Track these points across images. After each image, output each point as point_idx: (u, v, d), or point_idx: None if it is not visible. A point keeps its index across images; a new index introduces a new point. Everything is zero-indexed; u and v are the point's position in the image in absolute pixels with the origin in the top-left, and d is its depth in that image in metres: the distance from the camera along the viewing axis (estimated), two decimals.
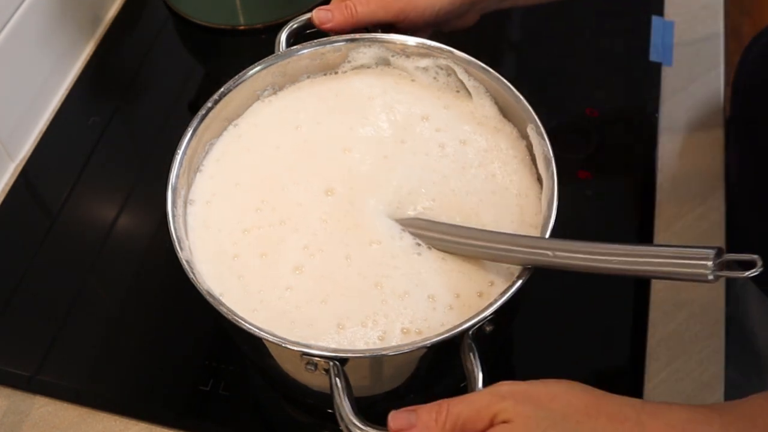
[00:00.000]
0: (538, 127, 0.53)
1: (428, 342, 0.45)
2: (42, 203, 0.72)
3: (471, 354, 0.45)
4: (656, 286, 0.63)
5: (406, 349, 0.45)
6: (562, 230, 0.66)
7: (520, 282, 0.47)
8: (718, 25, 0.80)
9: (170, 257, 0.49)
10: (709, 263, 0.41)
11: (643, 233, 0.66)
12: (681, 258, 0.42)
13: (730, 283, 0.64)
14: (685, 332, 0.61)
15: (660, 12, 0.80)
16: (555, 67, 0.77)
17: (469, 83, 0.58)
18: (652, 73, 0.76)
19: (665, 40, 0.78)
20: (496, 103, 0.57)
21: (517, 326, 0.61)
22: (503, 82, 0.56)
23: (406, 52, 0.59)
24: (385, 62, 0.60)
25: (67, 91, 0.78)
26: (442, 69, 0.59)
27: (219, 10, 0.82)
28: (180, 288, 0.50)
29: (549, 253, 0.46)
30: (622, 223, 0.67)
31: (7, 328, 0.63)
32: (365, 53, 0.59)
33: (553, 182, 0.50)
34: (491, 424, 0.41)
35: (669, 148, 0.71)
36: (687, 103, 0.74)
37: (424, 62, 0.59)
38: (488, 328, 0.47)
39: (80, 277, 0.66)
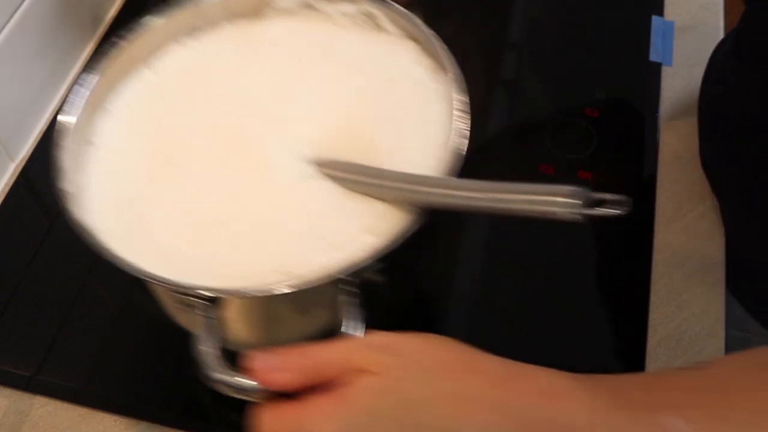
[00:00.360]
0: (450, 72, 0.53)
1: (293, 286, 0.44)
2: (42, 203, 0.72)
3: (346, 301, 0.44)
4: (656, 285, 0.63)
5: (259, 293, 0.44)
6: (563, 230, 0.66)
7: (401, 228, 0.46)
8: (718, 25, 0.80)
9: None
10: (572, 200, 0.41)
11: (643, 233, 0.66)
12: (546, 195, 0.42)
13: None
14: (685, 332, 0.61)
15: (660, 12, 0.80)
16: (554, 67, 0.77)
17: (391, 29, 0.58)
18: (652, 73, 0.76)
19: (665, 40, 0.78)
20: (418, 45, 0.57)
21: (515, 326, 0.61)
22: (421, 29, 0.56)
23: None
24: (309, 7, 0.60)
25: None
26: (365, 14, 0.59)
27: None
28: None
29: (421, 188, 0.47)
30: (622, 223, 0.67)
31: (7, 328, 0.63)
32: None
33: (452, 122, 0.50)
34: (347, 371, 0.39)
35: (669, 148, 0.71)
36: (687, 103, 0.74)
37: (348, 8, 0.59)
38: (374, 277, 0.46)
39: (80, 277, 0.66)
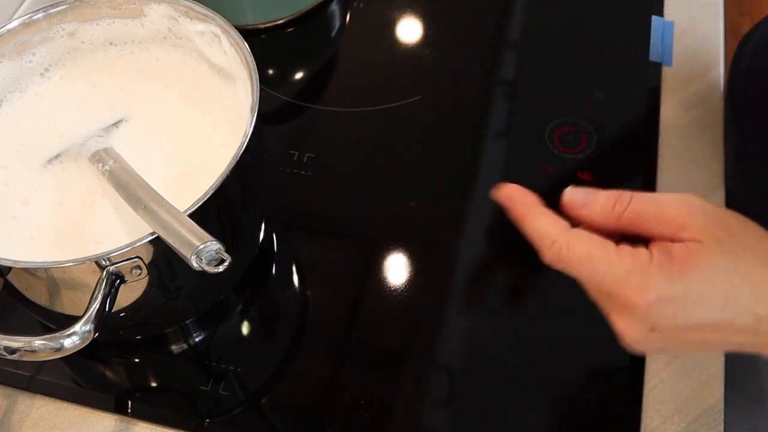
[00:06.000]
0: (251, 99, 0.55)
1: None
2: None
3: (99, 293, 0.48)
4: None
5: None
6: None
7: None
8: (717, 25, 0.80)
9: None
10: (193, 247, 0.43)
11: None
12: (183, 233, 0.44)
13: None
14: None
15: (660, 12, 0.80)
16: (555, 67, 0.77)
17: (230, 52, 0.60)
18: (652, 73, 0.76)
19: (665, 40, 0.78)
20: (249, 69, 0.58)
21: (514, 326, 0.61)
22: (247, 59, 0.57)
23: (189, 14, 0.61)
24: (173, 21, 0.62)
25: None
26: (216, 36, 0.60)
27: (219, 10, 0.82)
28: None
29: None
30: None
31: (7, 328, 0.63)
32: (156, 10, 0.62)
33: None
34: (674, 238, 0.38)
35: (669, 148, 0.71)
36: (687, 103, 0.74)
37: (201, 27, 0.61)
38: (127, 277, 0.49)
39: None
